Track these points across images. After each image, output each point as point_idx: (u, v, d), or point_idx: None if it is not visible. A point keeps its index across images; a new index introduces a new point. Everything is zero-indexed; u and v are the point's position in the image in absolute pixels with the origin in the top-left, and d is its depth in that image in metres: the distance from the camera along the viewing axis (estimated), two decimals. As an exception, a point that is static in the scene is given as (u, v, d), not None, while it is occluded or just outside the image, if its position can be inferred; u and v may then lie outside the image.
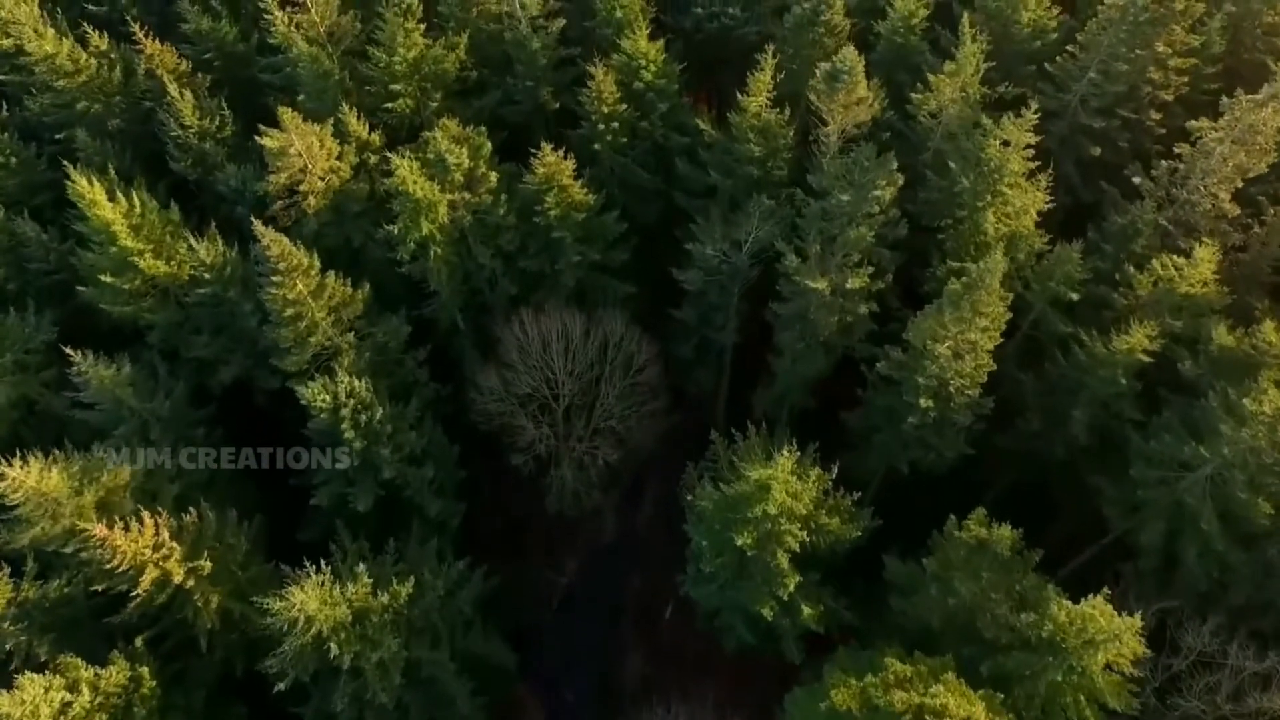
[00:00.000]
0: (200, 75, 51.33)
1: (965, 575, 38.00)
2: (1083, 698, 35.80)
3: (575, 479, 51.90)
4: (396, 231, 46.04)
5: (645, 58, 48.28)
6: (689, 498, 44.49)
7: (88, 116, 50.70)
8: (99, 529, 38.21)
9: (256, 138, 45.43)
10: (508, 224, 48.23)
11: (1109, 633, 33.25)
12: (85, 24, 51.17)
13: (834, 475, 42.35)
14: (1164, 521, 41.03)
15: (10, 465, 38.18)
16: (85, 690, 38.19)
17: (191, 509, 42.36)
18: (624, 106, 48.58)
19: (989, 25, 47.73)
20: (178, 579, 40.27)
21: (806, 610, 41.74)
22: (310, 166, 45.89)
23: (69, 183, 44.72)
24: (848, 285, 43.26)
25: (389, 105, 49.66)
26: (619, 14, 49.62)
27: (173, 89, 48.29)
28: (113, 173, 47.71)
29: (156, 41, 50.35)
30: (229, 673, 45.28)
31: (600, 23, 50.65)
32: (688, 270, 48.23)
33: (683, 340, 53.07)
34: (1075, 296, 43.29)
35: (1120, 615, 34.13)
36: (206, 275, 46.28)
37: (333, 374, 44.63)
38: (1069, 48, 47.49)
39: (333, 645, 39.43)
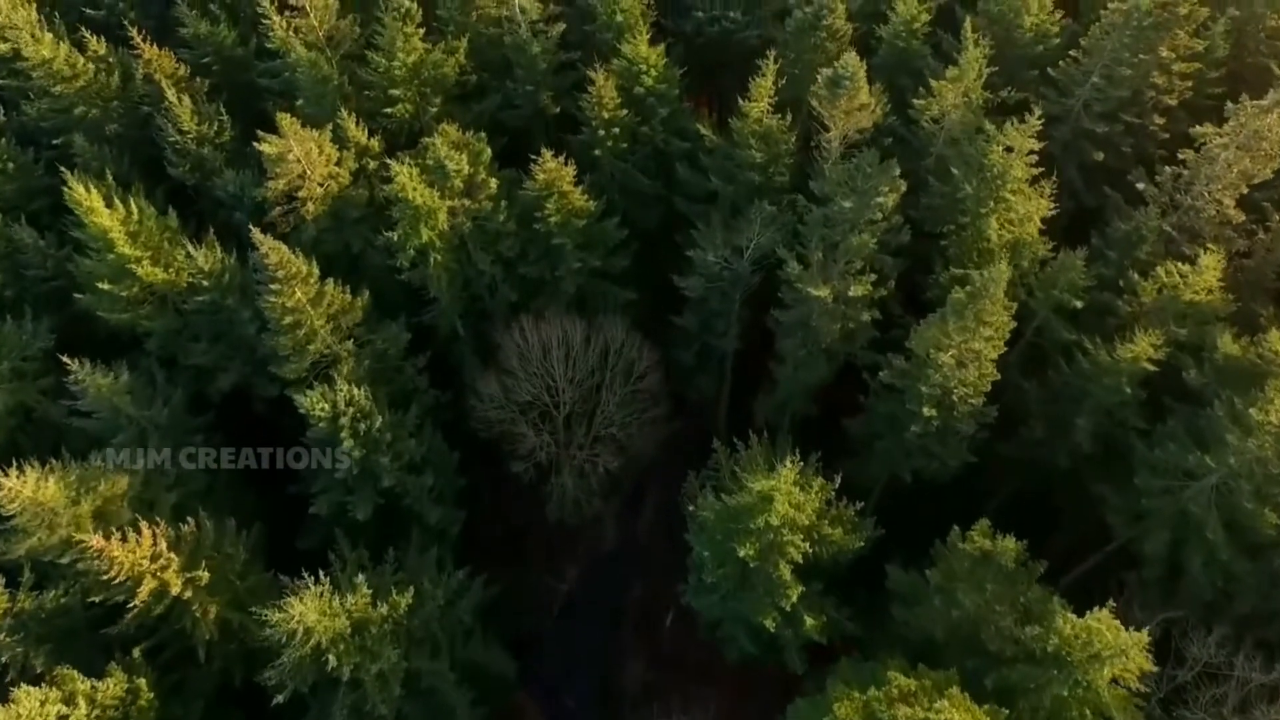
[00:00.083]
0: (198, 80, 51.10)
1: (969, 587, 37.70)
2: (1088, 711, 35.47)
3: (576, 486, 51.62)
4: (396, 238, 45.75)
5: (646, 63, 47.99)
6: (691, 508, 44.16)
7: (85, 121, 50.45)
8: (96, 540, 37.92)
9: (255, 143, 45.12)
10: (508, 230, 47.94)
11: (1115, 647, 32.97)
12: (83, 28, 50.93)
13: (837, 485, 42.06)
14: (1168, 530, 40.73)
15: (7, 475, 37.89)
16: (82, 703, 37.94)
17: (190, 518, 42.07)
18: (624, 112, 48.27)
19: (991, 29, 47.41)
20: (175, 590, 39.97)
21: (809, 621, 41.48)
22: (309, 172, 45.60)
23: (66, 188, 44.42)
24: (850, 293, 42.97)
25: (388, 110, 49.40)
26: (619, 18, 49.33)
27: (171, 94, 48.03)
28: (110, 178, 47.38)
29: (154, 46, 50.07)
30: (227, 682, 44.99)
31: (600, 27, 50.34)
32: (689, 277, 47.93)
33: (684, 347, 52.77)
34: (1079, 304, 42.99)
35: (1126, 627, 33.89)
36: (205, 282, 45.98)
37: (331, 382, 44.32)
38: (1072, 52, 47.20)
39: (331, 657, 39.14)
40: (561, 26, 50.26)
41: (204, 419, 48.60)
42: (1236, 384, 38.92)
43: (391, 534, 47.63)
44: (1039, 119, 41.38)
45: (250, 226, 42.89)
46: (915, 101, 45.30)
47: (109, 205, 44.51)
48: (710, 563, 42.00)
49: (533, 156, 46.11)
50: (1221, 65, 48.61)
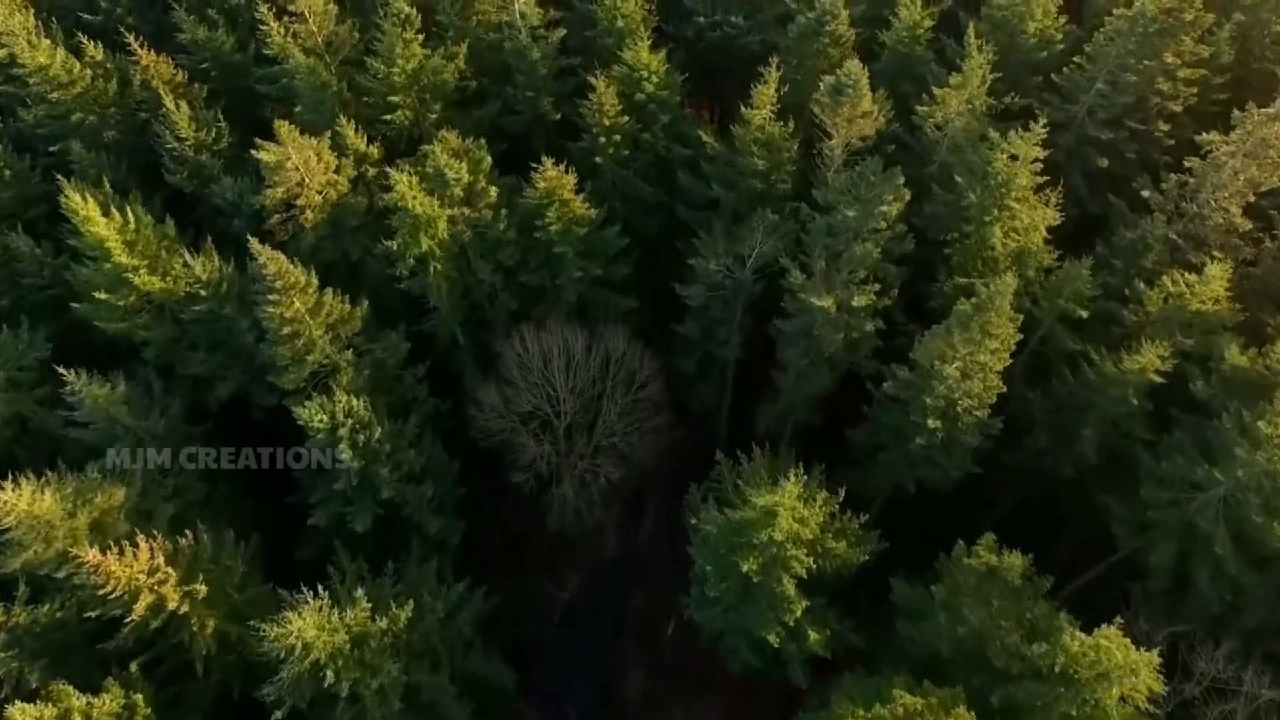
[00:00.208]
0: (196, 86, 50.61)
1: (974, 602, 37.24)
2: (1096, 729, 35.14)
3: (577, 496, 51.15)
4: (395, 247, 45.36)
5: (647, 69, 47.60)
6: (693, 521, 43.71)
7: (82, 128, 50.00)
8: (92, 555, 37.47)
9: (253, 151, 44.72)
10: (508, 239, 47.54)
11: (1125, 667, 32.54)
12: (80, 34, 50.43)
13: (840, 497, 41.64)
14: (1175, 543, 40.32)
15: (3, 488, 37.46)
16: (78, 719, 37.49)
17: (188, 531, 41.66)
18: (625, 118, 47.88)
19: (995, 35, 47.10)
20: (173, 604, 39.48)
21: (813, 635, 41.03)
22: (307, 180, 45.22)
23: (63, 196, 43.99)
24: (853, 303, 42.57)
25: (387, 116, 49.01)
26: (620, 24, 48.94)
27: (168, 100, 47.59)
28: (108, 185, 46.99)
29: (152, 51, 49.54)
30: (226, 696, 44.49)
31: (601, 32, 49.93)
32: (690, 285, 47.54)
33: (685, 355, 52.34)
34: (1084, 313, 42.60)
35: (1134, 644, 33.45)
36: (202, 291, 45.58)
37: (330, 392, 43.89)
38: (1076, 58, 46.97)
39: (330, 673, 38.69)
40: (562, 32, 49.84)
41: (202, 428, 48.19)
42: (1244, 395, 38.50)
43: (391, 544, 47.22)
44: (1044, 127, 41.01)
45: (249, 235, 42.51)
46: (918, 108, 45.00)
47: (106, 214, 44.04)
48: (713, 576, 41.57)
49: (533, 164, 45.71)
50: (1227, 71, 48.29)
